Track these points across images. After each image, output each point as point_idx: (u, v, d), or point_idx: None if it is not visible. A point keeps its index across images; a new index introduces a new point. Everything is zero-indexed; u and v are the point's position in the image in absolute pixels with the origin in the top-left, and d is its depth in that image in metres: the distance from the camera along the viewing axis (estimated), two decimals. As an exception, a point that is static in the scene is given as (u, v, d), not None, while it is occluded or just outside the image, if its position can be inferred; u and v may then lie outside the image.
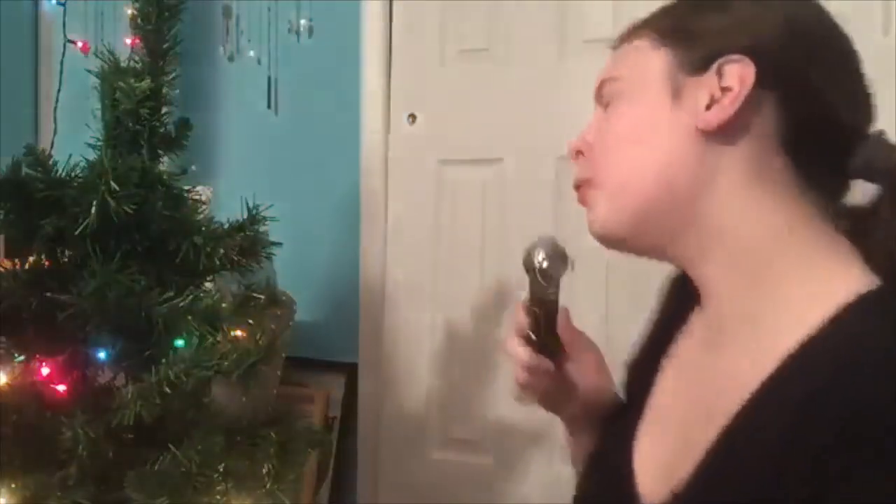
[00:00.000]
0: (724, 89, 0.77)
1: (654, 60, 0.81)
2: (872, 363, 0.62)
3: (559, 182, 2.27)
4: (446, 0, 2.42)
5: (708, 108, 0.77)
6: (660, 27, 0.82)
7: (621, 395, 0.94)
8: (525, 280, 0.89)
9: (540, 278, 0.87)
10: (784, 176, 0.77)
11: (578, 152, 0.86)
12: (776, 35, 0.78)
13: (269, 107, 2.65)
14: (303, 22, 2.58)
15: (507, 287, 2.34)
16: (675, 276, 0.93)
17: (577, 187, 0.86)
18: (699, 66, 0.78)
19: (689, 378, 0.82)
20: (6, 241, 1.58)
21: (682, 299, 0.88)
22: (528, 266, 0.88)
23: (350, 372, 2.57)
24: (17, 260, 1.52)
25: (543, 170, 2.29)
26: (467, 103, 2.41)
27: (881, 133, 0.78)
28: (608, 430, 0.92)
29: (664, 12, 0.84)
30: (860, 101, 0.80)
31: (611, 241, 0.83)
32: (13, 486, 1.42)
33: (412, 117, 2.48)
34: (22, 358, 1.50)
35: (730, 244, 0.77)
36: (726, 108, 0.76)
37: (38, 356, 1.49)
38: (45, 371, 1.47)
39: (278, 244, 1.63)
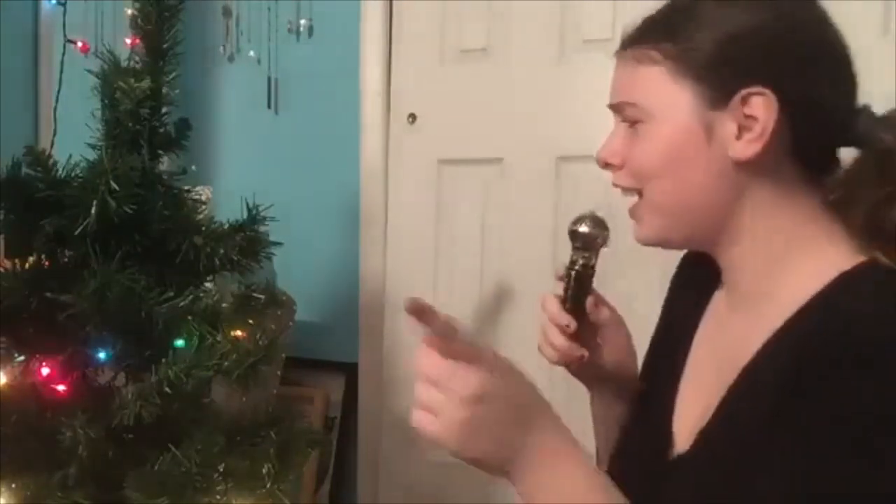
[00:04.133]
0: (749, 117, 0.83)
1: (677, 96, 0.86)
2: (837, 327, 0.78)
3: (559, 182, 2.27)
4: (446, 0, 2.42)
5: (737, 137, 0.84)
6: (671, 53, 0.86)
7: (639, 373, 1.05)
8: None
9: (579, 244, 0.96)
10: (795, 176, 0.87)
11: (610, 164, 0.92)
12: (782, 52, 0.84)
13: (269, 107, 2.65)
14: (303, 22, 2.59)
15: (508, 287, 2.34)
16: (684, 261, 1.06)
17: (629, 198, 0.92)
18: (724, 100, 0.84)
19: (715, 347, 0.94)
20: (6, 241, 1.58)
21: (697, 282, 1.00)
22: (573, 231, 0.96)
23: (350, 372, 2.57)
24: (17, 260, 1.52)
25: (543, 170, 2.29)
26: (467, 103, 2.41)
27: (867, 107, 0.87)
28: (643, 397, 1.02)
29: (666, 27, 0.88)
30: (850, 78, 0.87)
31: (655, 246, 0.93)
32: (13, 486, 1.42)
33: (412, 117, 2.48)
34: (22, 358, 1.50)
35: (754, 240, 0.88)
36: (756, 140, 0.84)
37: (38, 356, 1.49)
38: (45, 371, 1.47)
39: (278, 244, 1.63)
